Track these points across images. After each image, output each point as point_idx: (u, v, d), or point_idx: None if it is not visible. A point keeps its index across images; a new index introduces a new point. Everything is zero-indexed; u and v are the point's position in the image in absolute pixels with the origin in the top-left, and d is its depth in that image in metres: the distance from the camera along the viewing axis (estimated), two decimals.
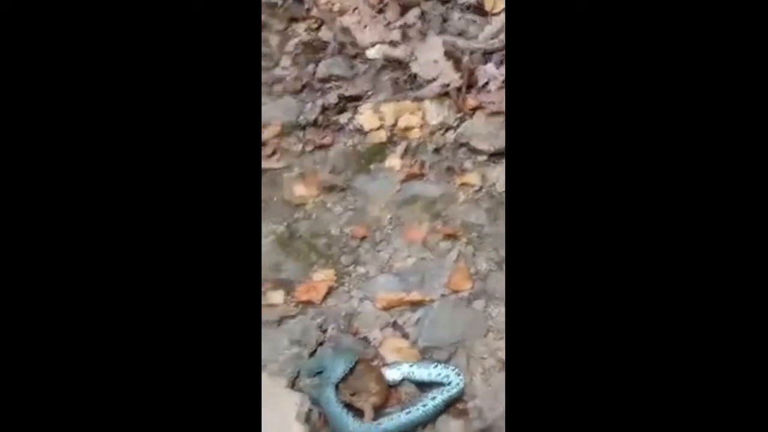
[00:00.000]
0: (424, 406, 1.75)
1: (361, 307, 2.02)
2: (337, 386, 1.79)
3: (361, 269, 2.11)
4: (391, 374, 1.85)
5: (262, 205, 2.19)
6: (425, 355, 1.90)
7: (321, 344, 1.93)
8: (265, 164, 2.36)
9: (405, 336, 1.94)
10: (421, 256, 2.12)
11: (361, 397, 1.78)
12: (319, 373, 1.82)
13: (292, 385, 1.83)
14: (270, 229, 2.19)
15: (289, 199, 2.29)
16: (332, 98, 2.52)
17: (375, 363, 1.87)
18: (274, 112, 2.53)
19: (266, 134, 2.46)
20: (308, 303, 2.02)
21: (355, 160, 2.39)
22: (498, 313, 1.94)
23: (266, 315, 1.95)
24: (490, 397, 1.78)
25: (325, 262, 2.12)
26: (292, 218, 2.23)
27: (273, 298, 2.02)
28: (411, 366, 1.85)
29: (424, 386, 1.82)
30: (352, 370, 1.81)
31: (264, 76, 2.59)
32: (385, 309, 2.00)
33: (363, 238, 2.17)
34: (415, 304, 2.01)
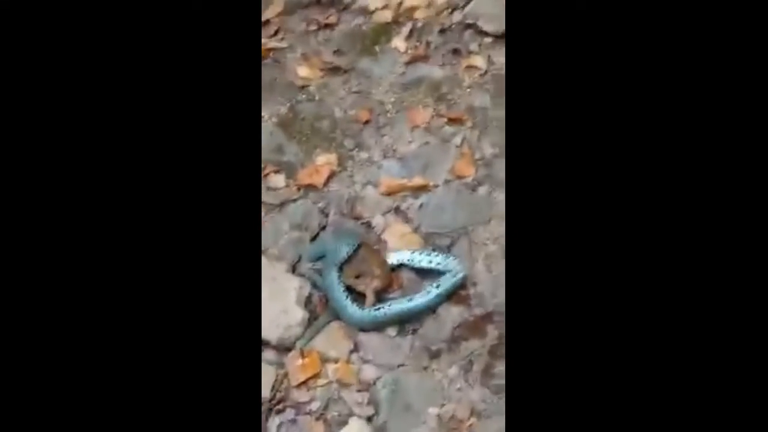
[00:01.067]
0: (427, 293, 1.75)
1: (363, 192, 1.99)
2: (340, 269, 1.78)
3: (364, 154, 2.07)
4: (392, 259, 1.83)
5: (265, 86, 2.14)
6: (428, 241, 1.88)
7: (323, 228, 1.91)
8: (268, 44, 2.30)
9: (407, 221, 1.91)
10: (425, 141, 2.08)
11: (364, 280, 1.78)
12: (321, 257, 1.81)
13: (293, 269, 1.82)
14: (272, 111, 2.14)
15: (291, 81, 2.23)
16: None
17: (377, 248, 1.85)
18: None
19: (268, 13, 2.39)
20: (310, 187, 1.99)
21: (360, 41, 2.33)
22: (502, 199, 1.91)
23: (267, 198, 1.93)
24: (492, 283, 1.78)
25: (328, 146, 2.09)
26: (295, 100, 2.18)
27: (274, 181, 1.99)
28: (413, 252, 1.83)
29: (424, 273, 1.82)
30: (355, 253, 1.80)
31: None
32: (388, 194, 1.98)
33: (366, 122, 2.13)
34: (418, 190, 1.98)
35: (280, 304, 1.73)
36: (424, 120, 2.12)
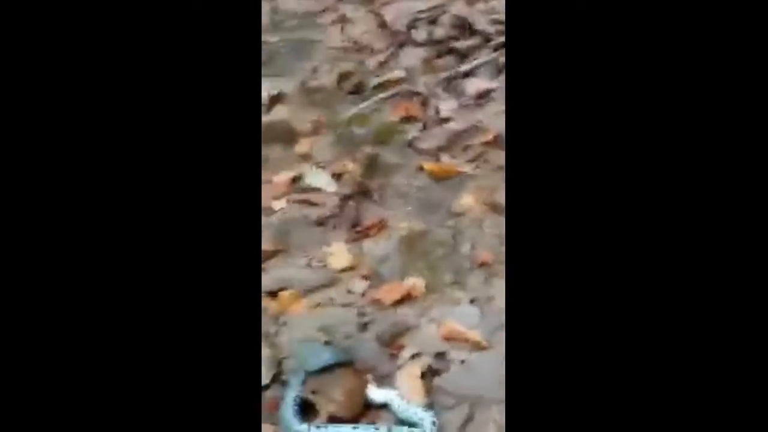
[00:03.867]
0: (375, 429, 1.47)
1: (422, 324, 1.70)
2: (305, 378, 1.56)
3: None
4: (376, 395, 1.54)
5: None
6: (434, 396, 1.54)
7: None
8: None
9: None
10: None
11: (320, 400, 1.52)
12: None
13: None
14: None
15: None
16: None
17: (366, 377, 1.56)
18: None
19: None
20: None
21: None
22: None
23: None
24: None
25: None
26: None
27: None
28: (401, 398, 1.52)
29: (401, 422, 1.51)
30: (329, 368, 1.55)
31: None
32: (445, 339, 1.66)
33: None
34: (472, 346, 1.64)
35: None
36: None
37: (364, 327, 1.69)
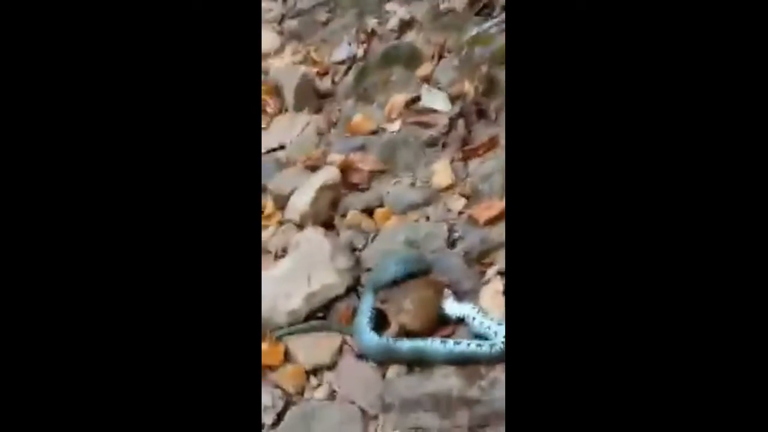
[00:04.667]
0: (447, 344, 1.45)
1: None
2: (377, 289, 1.55)
3: None
4: (452, 308, 1.51)
5: None
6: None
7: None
8: None
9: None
10: None
11: (390, 310, 1.51)
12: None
13: None
14: None
15: None
16: None
17: (444, 290, 1.53)
18: None
19: None
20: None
21: None
22: None
23: None
24: None
25: None
26: None
27: None
28: (476, 311, 1.48)
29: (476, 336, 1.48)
30: (402, 280, 1.54)
31: None
32: None
33: None
34: None
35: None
36: None
37: (452, 243, 1.66)
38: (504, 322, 1.46)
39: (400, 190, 1.84)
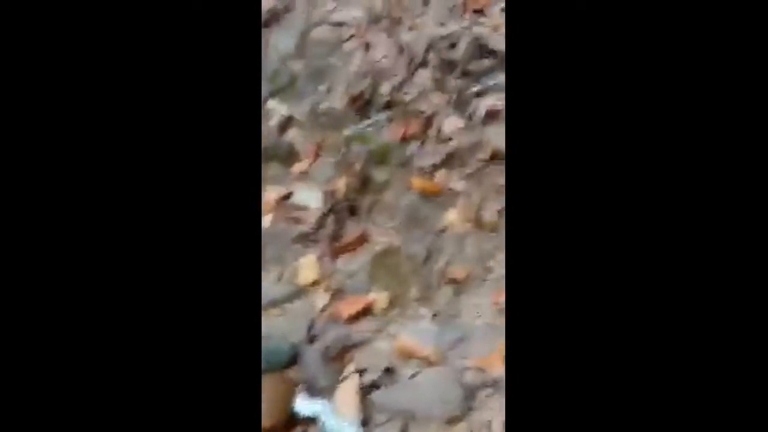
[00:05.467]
0: None
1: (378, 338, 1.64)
2: None
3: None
4: (303, 406, 1.46)
5: None
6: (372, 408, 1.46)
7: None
8: None
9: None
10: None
11: None
12: None
13: None
14: None
15: None
16: None
17: (295, 386, 1.49)
18: None
19: None
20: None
21: None
22: None
23: None
24: None
25: None
26: None
27: None
28: (329, 411, 1.44)
29: None
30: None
31: None
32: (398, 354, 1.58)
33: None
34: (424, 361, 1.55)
35: None
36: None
37: (311, 339, 1.62)
38: (357, 424, 1.43)
39: (265, 286, 1.80)
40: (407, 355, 1.58)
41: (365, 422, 1.45)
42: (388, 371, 1.56)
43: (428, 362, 1.56)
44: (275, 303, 1.74)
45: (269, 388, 1.47)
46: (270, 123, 2.38)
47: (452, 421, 1.45)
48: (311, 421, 1.46)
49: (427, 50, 2.39)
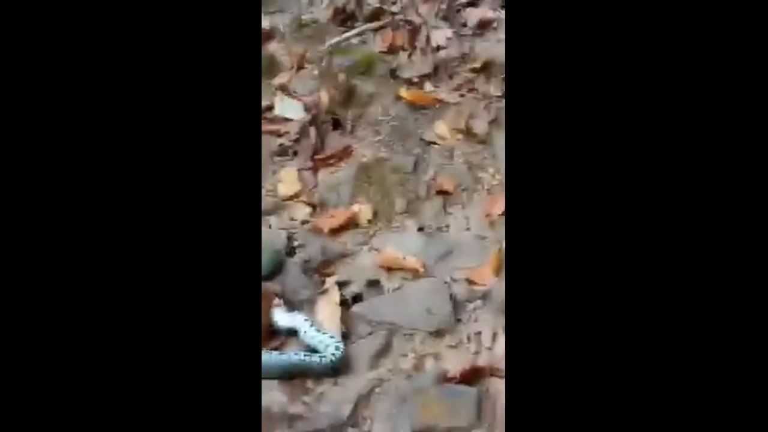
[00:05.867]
0: (273, 355, 1.35)
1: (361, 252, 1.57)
2: None
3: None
4: (282, 318, 1.39)
5: None
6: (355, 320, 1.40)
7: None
8: None
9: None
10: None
11: None
12: None
13: None
14: None
15: None
16: None
17: (274, 300, 1.42)
18: None
19: None
20: None
21: None
22: None
23: None
24: None
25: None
26: None
27: None
28: (308, 323, 1.36)
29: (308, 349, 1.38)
30: None
31: None
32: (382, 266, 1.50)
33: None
34: (408, 272, 1.47)
35: None
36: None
37: (291, 251, 1.54)
38: (338, 335, 1.36)
39: None
40: (392, 268, 1.50)
41: (347, 335, 1.38)
42: (372, 284, 1.48)
43: (414, 274, 1.48)
44: None
45: None
46: None
47: (439, 333, 1.38)
48: (291, 333, 1.38)
49: None
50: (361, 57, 2.03)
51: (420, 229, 1.60)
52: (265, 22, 2.29)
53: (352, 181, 1.70)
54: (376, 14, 2.17)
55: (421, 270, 1.48)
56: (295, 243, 1.56)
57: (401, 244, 1.55)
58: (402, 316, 1.41)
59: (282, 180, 1.73)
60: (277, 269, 1.49)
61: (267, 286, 1.43)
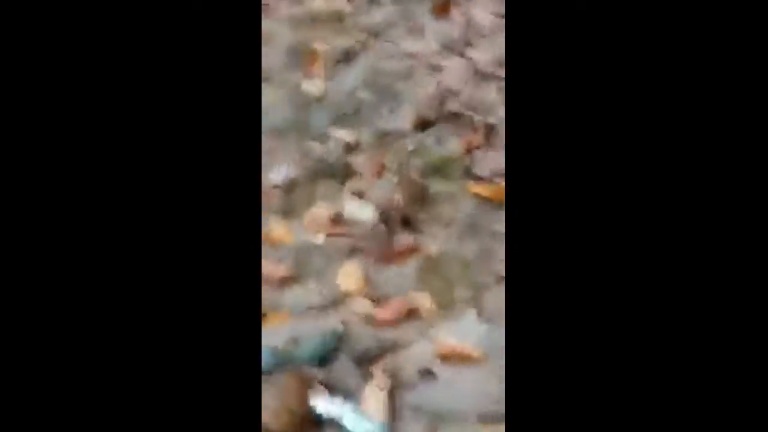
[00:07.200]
0: None
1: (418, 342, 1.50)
2: None
3: None
4: (323, 406, 1.33)
5: None
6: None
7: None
8: None
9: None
10: None
11: None
12: None
13: None
14: None
15: None
16: None
17: (313, 385, 1.36)
18: None
19: None
20: None
21: None
22: None
23: None
24: None
25: None
26: None
27: None
28: (353, 411, 1.30)
29: None
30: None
31: None
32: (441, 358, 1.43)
33: None
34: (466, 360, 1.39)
35: None
36: None
37: (340, 340, 1.49)
38: (383, 423, 1.28)
39: (302, 293, 1.68)
40: (447, 356, 1.42)
41: (392, 423, 1.30)
42: (425, 373, 1.40)
43: (469, 360, 1.40)
44: (312, 308, 1.61)
45: (283, 384, 1.34)
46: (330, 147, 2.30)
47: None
48: (333, 423, 1.31)
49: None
50: (436, 158, 2.02)
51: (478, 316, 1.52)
52: (350, 136, 2.31)
53: (416, 273, 1.65)
54: (454, 116, 2.16)
55: (476, 356, 1.40)
56: (350, 333, 1.51)
57: (460, 333, 1.47)
58: (452, 404, 1.32)
59: (345, 275, 1.69)
60: (328, 359, 1.44)
61: (312, 373, 1.38)
